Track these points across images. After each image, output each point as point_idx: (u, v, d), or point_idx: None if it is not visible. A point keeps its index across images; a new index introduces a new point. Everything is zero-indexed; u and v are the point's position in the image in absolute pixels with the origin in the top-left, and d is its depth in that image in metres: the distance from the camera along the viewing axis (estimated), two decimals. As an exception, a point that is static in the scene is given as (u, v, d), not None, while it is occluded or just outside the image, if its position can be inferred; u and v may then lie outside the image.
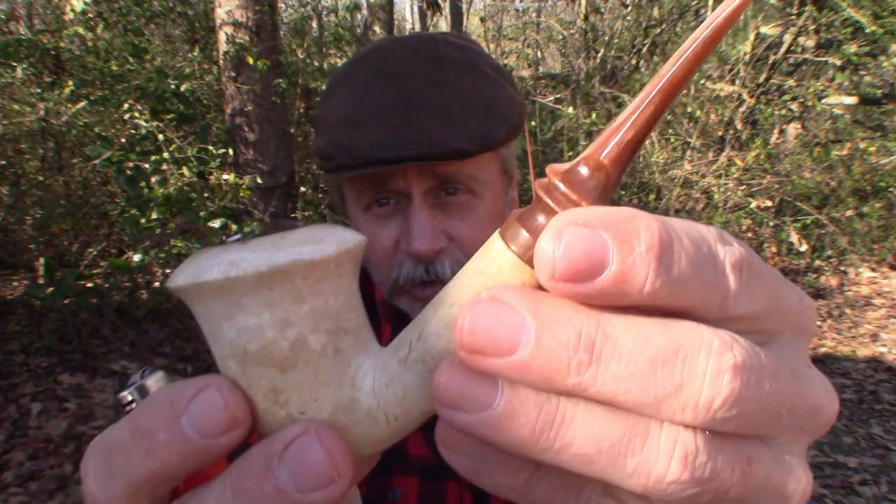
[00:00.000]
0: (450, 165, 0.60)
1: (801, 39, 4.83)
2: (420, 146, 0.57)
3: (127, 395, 0.26)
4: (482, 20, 6.90)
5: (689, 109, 4.83)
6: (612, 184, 0.17)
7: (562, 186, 0.17)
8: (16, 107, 3.44)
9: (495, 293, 0.16)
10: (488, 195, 0.64)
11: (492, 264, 0.18)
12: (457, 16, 7.48)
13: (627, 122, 0.17)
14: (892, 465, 2.38)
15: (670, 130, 4.78)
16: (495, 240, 0.18)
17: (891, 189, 4.91)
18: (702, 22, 0.18)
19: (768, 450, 0.18)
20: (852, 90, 5.00)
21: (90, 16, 3.42)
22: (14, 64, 3.22)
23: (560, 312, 0.16)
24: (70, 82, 3.30)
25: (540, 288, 0.17)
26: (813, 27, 4.69)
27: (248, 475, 0.18)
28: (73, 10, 3.35)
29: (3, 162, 3.52)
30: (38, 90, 3.30)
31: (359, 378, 0.20)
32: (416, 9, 8.65)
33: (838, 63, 4.81)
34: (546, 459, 0.16)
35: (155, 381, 0.27)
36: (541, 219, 0.17)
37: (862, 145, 5.07)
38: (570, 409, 0.16)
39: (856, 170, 4.94)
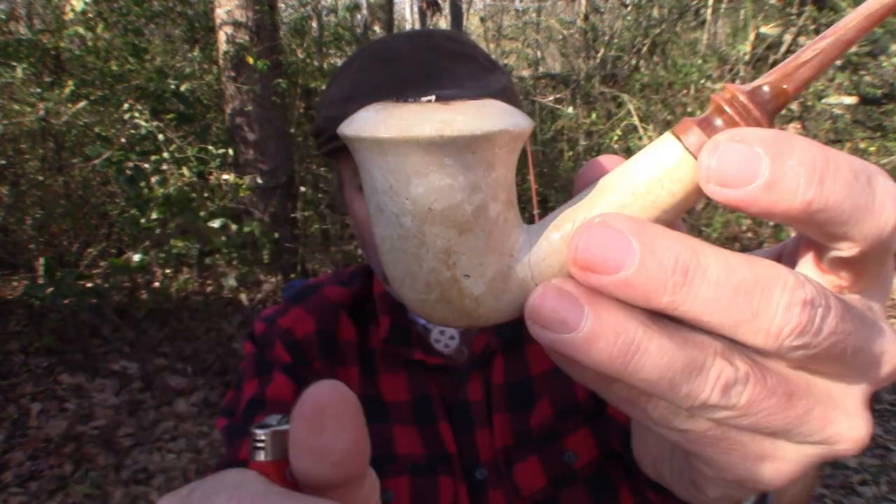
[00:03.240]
0: None
1: (801, 39, 4.83)
2: None
3: (261, 434, 0.22)
4: (482, 20, 6.91)
5: (689, 109, 4.83)
6: (782, 108, 0.20)
7: (744, 100, 0.19)
8: (16, 107, 3.44)
9: (606, 219, 0.18)
10: None
11: (668, 159, 0.19)
12: (457, 16, 7.48)
13: (810, 63, 0.19)
14: (892, 465, 2.38)
15: (670, 130, 4.76)
16: (669, 138, 0.20)
17: (891, 189, 4.90)
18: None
19: (820, 390, 0.20)
20: (852, 90, 5.00)
21: (90, 16, 3.42)
22: (14, 64, 3.22)
23: (662, 240, 0.18)
24: (70, 82, 3.29)
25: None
26: (813, 27, 4.69)
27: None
28: (73, 10, 3.35)
29: (3, 162, 3.52)
30: (38, 90, 3.30)
31: (516, 249, 0.21)
32: (416, 9, 8.65)
33: (838, 63, 4.81)
34: (618, 377, 0.19)
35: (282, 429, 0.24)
36: (718, 122, 0.19)
37: (862, 145, 5.07)
38: (646, 341, 0.18)
39: (856, 170, 4.94)
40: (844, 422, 0.20)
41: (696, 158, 0.19)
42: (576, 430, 0.65)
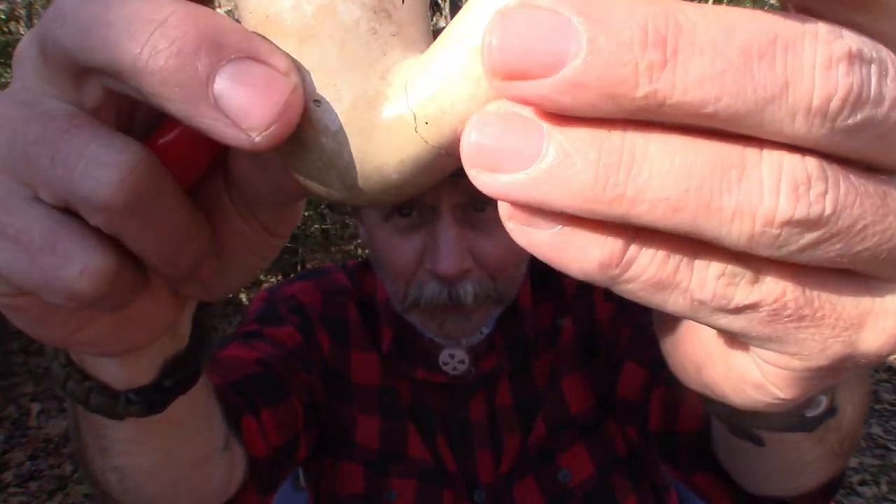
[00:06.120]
0: None
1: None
2: None
3: None
4: (482, 20, 6.90)
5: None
6: None
7: None
8: (16, 107, 3.45)
9: (526, 0, 0.12)
10: None
11: None
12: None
13: None
14: (892, 465, 2.38)
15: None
16: None
17: (891, 189, 4.91)
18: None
19: None
20: (852, 90, 5.01)
21: (90, 16, 3.42)
22: (14, 64, 3.22)
23: (616, 5, 0.11)
24: (70, 82, 3.29)
25: None
26: (813, 27, 4.70)
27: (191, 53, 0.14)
28: (73, 10, 3.35)
29: (3, 162, 3.52)
30: (38, 90, 3.30)
31: (392, 72, 0.16)
32: (416, 9, 8.64)
33: (838, 63, 4.82)
34: (620, 213, 0.12)
35: None
36: None
37: (862, 145, 5.08)
38: (640, 141, 0.12)
39: (856, 170, 4.95)
40: None
41: None
42: (570, 447, 0.63)
